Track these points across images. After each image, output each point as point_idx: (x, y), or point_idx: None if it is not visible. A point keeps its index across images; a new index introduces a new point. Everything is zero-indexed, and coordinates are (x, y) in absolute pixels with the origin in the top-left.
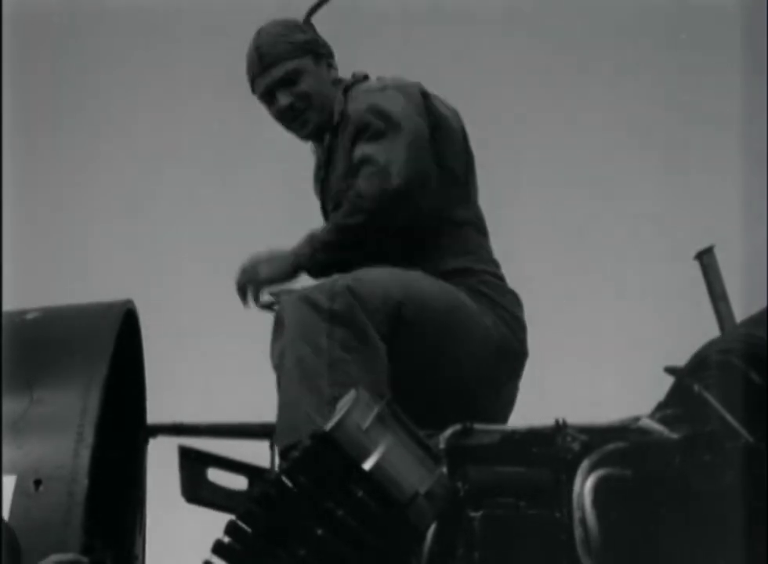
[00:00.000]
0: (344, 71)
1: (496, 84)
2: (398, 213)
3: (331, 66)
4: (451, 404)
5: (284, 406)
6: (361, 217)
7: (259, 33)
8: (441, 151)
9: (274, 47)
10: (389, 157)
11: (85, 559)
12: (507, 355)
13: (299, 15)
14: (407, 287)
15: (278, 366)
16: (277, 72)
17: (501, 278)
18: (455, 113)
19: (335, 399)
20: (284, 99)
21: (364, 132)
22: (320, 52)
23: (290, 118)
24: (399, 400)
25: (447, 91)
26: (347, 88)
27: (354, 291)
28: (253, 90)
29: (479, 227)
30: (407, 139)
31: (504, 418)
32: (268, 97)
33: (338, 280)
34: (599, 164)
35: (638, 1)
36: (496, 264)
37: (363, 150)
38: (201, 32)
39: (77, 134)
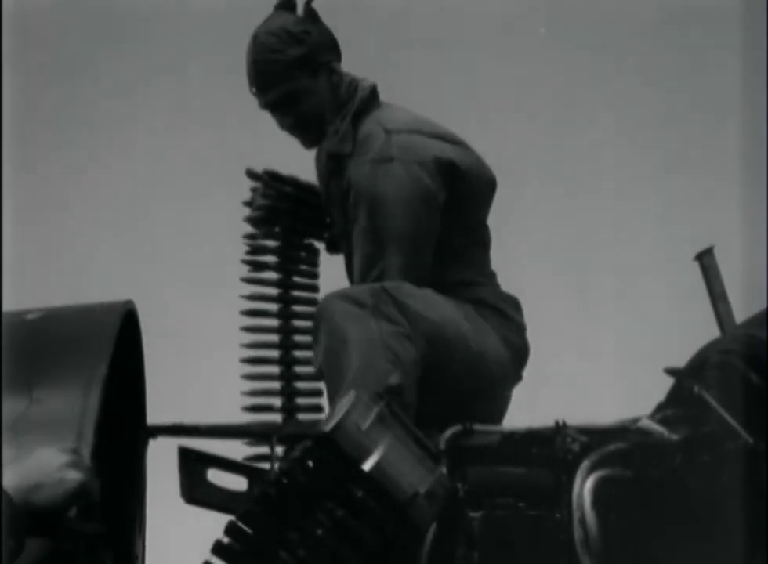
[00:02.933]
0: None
1: (493, 86)
2: None
3: (332, 70)
4: (460, 411)
5: (340, 391)
6: None
7: (254, 41)
8: (461, 206)
9: (268, 66)
10: (383, 269)
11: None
12: (515, 361)
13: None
14: (434, 312)
15: (324, 364)
16: (273, 95)
17: (498, 287)
18: (475, 159)
19: (388, 374)
20: (283, 120)
21: (357, 213)
22: (318, 62)
23: (292, 133)
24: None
25: (446, 103)
26: (357, 113)
27: (392, 293)
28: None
29: (484, 244)
30: (401, 246)
31: (501, 416)
32: (269, 111)
33: (374, 284)
34: (598, 164)
35: (637, 2)
36: (494, 275)
37: (355, 230)
38: (205, 31)
39: (79, 133)
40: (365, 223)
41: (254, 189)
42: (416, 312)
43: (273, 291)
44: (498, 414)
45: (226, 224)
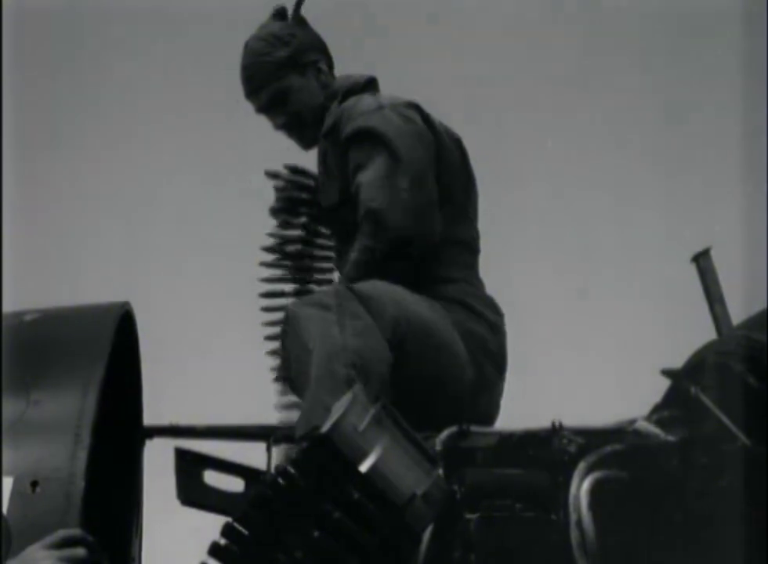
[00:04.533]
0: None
1: (492, 89)
2: (405, 256)
3: (320, 70)
4: (435, 410)
5: (304, 400)
6: (371, 268)
7: (245, 48)
8: (438, 171)
9: (257, 69)
10: (387, 201)
11: (90, 537)
12: (486, 360)
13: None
14: (400, 302)
15: (292, 374)
16: (264, 97)
17: (480, 289)
18: (452, 134)
19: (349, 380)
20: (276, 120)
21: (360, 157)
22: (304, 61)
23: (288, 134)
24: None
25: (444, 103)
26: (344, 96)
27: (356, 290)
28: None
29: (471, 246)
30: (407, 175)
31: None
32: (264, 115)
33: (337, 285)
34: (597, 164)
35: (637, 4)
36: (479, 280)
37: (361, 180)
38: (207, 32)
39: (78, 136)
40: (368, 157)
41: (276, 187)
42: (380, 303)
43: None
44: (483, 417)
45: (225, 226)
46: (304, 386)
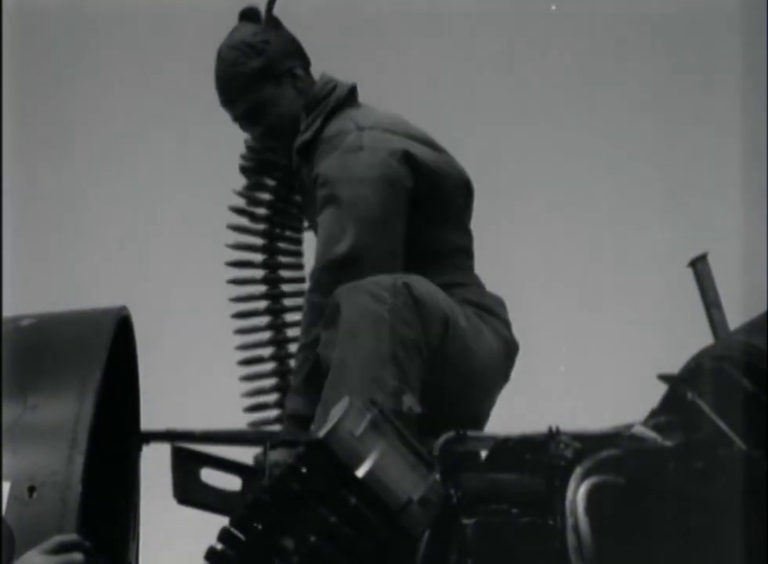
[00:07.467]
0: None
1: (490, 93)
2: (341, 280)
3: (296, 76)
4: (459, 411)
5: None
6: (316, 293)
7: (218, 56)
8: (433, 206)
9: (230, 81)
10: (338, 230)
11: (87, 543)
12: (506, 354)
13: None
14: (451, 303)
15: (331, 356)
16: (237, 110)
17: (483, 288)
18: (446, 161)
19: (399, 391)
20: (252, 133)
21: (324, 198)
22: (280, 70)
23: (266, 143)
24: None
25: (443, 107)
26: (331, 112)
27: (413, 292)
28: None
29: (469, 251)
30: (370, 224)
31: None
32: (240, 124)
33: (398, 278)
34: (597, 167)
35: (636, 4)
36: (478, 278)
37: (321, 215)
38: (209, 34)
39: (76, 141)
40: (333, 205)
41: (248, 146)
42: (431, 307)
43: (259, 257)
44: (483, 417)
45: (224, 231)
46: (340, 383)
